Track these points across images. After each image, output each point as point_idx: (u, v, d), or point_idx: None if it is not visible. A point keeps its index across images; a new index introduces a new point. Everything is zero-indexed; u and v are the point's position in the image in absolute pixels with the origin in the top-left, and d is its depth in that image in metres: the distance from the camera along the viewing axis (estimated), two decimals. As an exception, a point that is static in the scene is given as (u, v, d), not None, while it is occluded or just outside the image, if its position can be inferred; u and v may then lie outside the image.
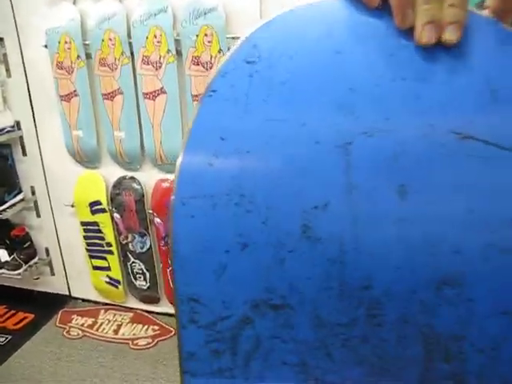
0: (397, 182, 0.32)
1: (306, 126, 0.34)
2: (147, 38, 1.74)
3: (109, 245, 2.17)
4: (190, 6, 1.66)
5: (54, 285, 2.49)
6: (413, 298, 0.34)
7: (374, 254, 0.34)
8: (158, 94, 1.79)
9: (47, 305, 2.47)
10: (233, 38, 1.66)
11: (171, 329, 2.26)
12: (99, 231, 2.15)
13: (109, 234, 2.15)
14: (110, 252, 2.19)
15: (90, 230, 2.17)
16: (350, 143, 0.33)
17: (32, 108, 2.09)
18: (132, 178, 2.02)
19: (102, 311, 2.41)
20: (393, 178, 0.32)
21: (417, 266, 0.33)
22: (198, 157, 0.35)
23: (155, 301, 2.31)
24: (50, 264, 2.43)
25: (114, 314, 2.38)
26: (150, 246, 2.11)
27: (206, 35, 1.65)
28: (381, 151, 0.33)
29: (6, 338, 2.21)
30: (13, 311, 2.41)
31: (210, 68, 1.70)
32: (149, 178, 2.01)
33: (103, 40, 1.79)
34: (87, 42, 1.84)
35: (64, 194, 2.17)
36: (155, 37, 1.72)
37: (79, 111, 1.93)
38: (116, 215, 2.08)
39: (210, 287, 0.36)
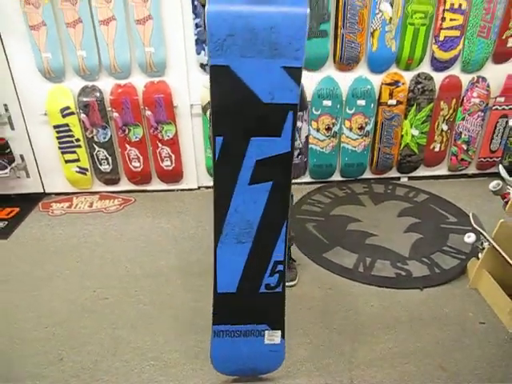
0: None
1: None
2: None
3: (77, 140, 2.95)
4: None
5: (29, 186, 3.18)
6: None
7: None
8: (110, 21, 2.60)
9: (27, 201, 3.17)
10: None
11: (132, 198, 3.15)
12: (69, 130, 2.91)
13: (77, 132, 2.92)
14: (79, 146, 2.97)
15: (62, 131, 2.91)
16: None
17: (1, 40, 2.72)
18: (93, 85, 2.81)
19: (74, 198, 3.20)
20: None
21: None
22: None
23: (116, 181, 3.16)
24: (25, 168, 3.11)
25: (85, 198, 3.19)
26: (111, 135, 2.94)
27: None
28: None
29: (5, 223, 2.91)
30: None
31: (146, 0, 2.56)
32: (106, 84, 2.82)
33: (63, -17, 2.53)
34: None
35: (36, 106, 2.87)
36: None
37: (47, 37, 2.64)
38: (83, 115, 2.86)
39: None
